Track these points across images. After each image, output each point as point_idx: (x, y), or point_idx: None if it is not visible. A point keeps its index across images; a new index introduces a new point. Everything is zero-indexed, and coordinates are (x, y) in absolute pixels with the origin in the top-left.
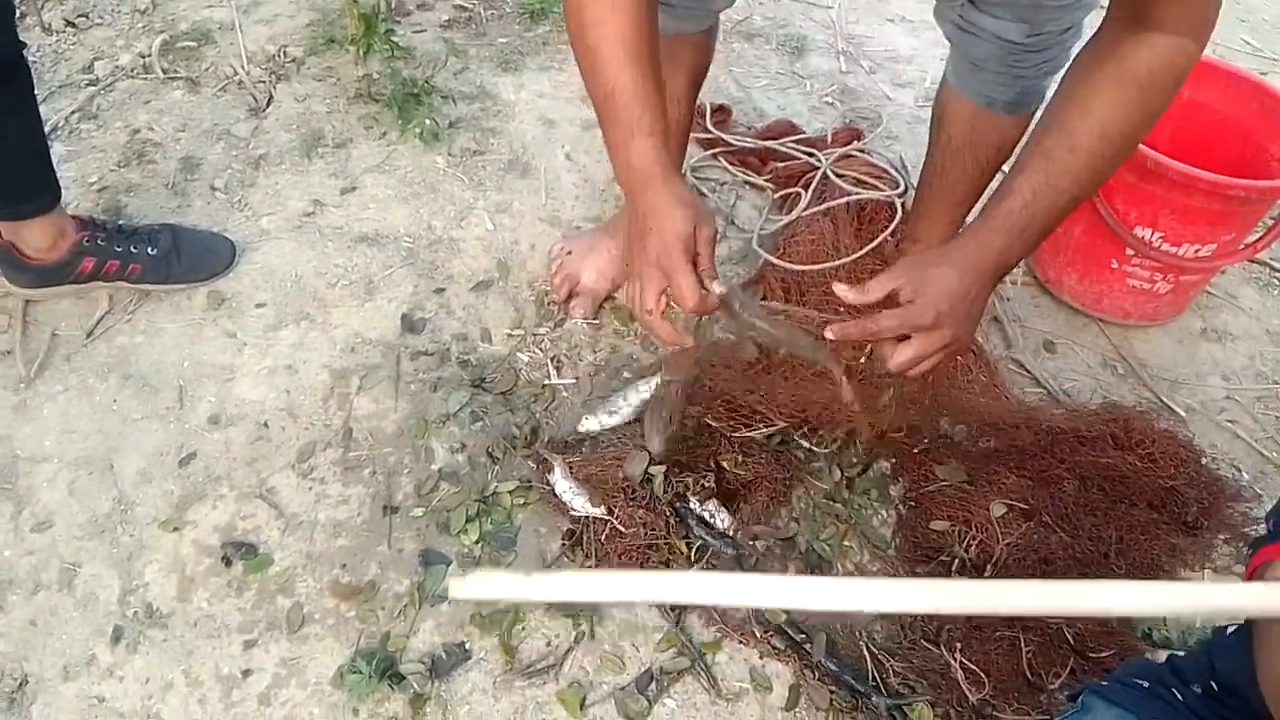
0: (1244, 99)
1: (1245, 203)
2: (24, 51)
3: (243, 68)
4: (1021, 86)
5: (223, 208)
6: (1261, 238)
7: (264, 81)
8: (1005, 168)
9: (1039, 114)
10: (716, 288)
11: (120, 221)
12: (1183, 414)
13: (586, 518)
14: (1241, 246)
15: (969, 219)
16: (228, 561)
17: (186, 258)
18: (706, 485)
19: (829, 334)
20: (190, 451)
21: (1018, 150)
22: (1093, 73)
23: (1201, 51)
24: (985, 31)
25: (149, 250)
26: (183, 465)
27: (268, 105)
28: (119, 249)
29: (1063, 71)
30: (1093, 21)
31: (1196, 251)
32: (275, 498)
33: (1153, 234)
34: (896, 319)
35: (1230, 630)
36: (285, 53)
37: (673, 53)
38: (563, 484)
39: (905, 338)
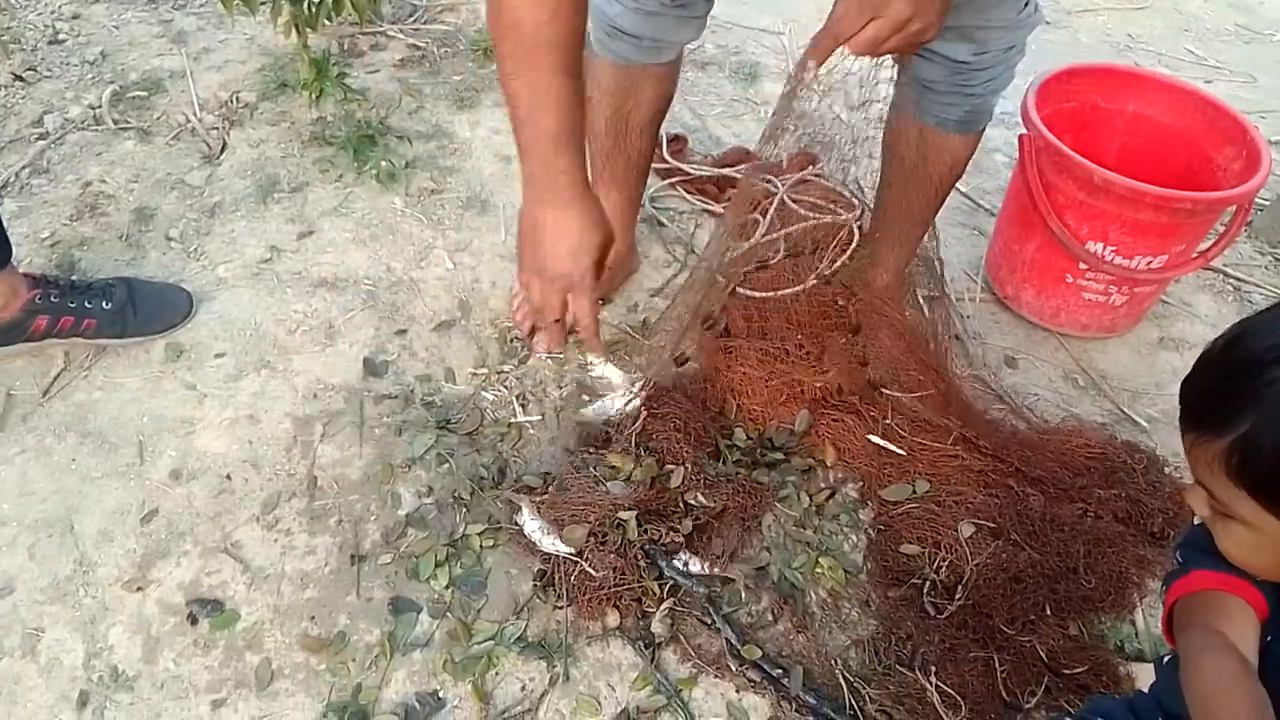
0: (1188, 111)
1: (1193, 214)
2: None
3: (195, 115)
4: (971, 105)
5: (178, 258)
6: (1212, 246)
7: (217, 128)
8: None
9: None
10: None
11: (74, 277)
12: (1145, 424)
13: (557, 557)
14: (1194, 256)
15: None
16: (193, 619)
17: (142, 310)
18: (676, 535)
19: (810, 58)
20: (152, 508)
21: None
22: None
23: None
24: (934, 53)
25: (104, 304)
26: (145, 522)
27: (221, 152)
28: (73, 305)
29: (1005, 89)
30: (1036, 39)
31: (1149, 263)
32: (240, 551)
33: (1105, 248)
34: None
35: (1166, 659)
36: (238, 98)
37: (637, 84)
38: (531, 523)
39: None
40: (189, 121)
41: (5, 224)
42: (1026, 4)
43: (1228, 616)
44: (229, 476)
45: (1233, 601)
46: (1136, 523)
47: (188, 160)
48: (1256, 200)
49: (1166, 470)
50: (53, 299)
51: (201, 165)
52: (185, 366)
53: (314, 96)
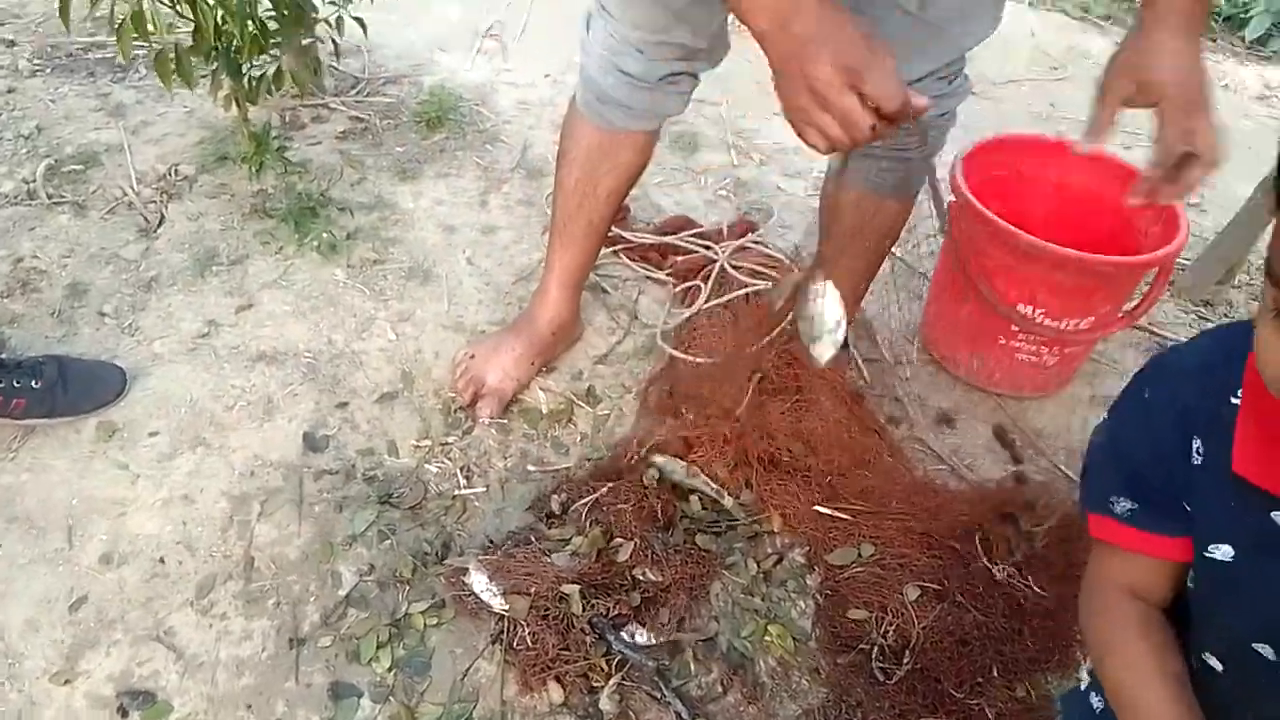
0: (1109, 177)
1: (1116, 277)
2: None
3: (132, 188)
4: (906, 169)
5: (112, 333)
6: (1138, 306)
7: (155, 201)
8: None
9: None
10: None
11: (3, 355)
12: (1079, 481)
13: (509, 620)
14: (1119, 315)
15: None
16: (124, 713)
17: (73, 388)
18: (623, 607)
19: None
20: (81, 595)
21: None
22: None
23: None
24: None
25: (32, 384)
26: (73, 610)
27: (159, 225)
28: (1, 384)
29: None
30: (964, 109)
31: (1076, 325)
32: (173, 639)
33: (1034, 310)
34: (1205, 140)
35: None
36: (176, 171)
37: (617, 149)
38: (480, 582)
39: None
40: (126, 195)
41: None
42: (955, 77)
43: (1143, 584)
44: (162, 559)
45: (1148, 564)
46: (1078, 582)
47: (124, 234)
48: (1177, 261)
49: None
50: None
51: (138, 239)
52: (117, 446)
53: (254, 169)
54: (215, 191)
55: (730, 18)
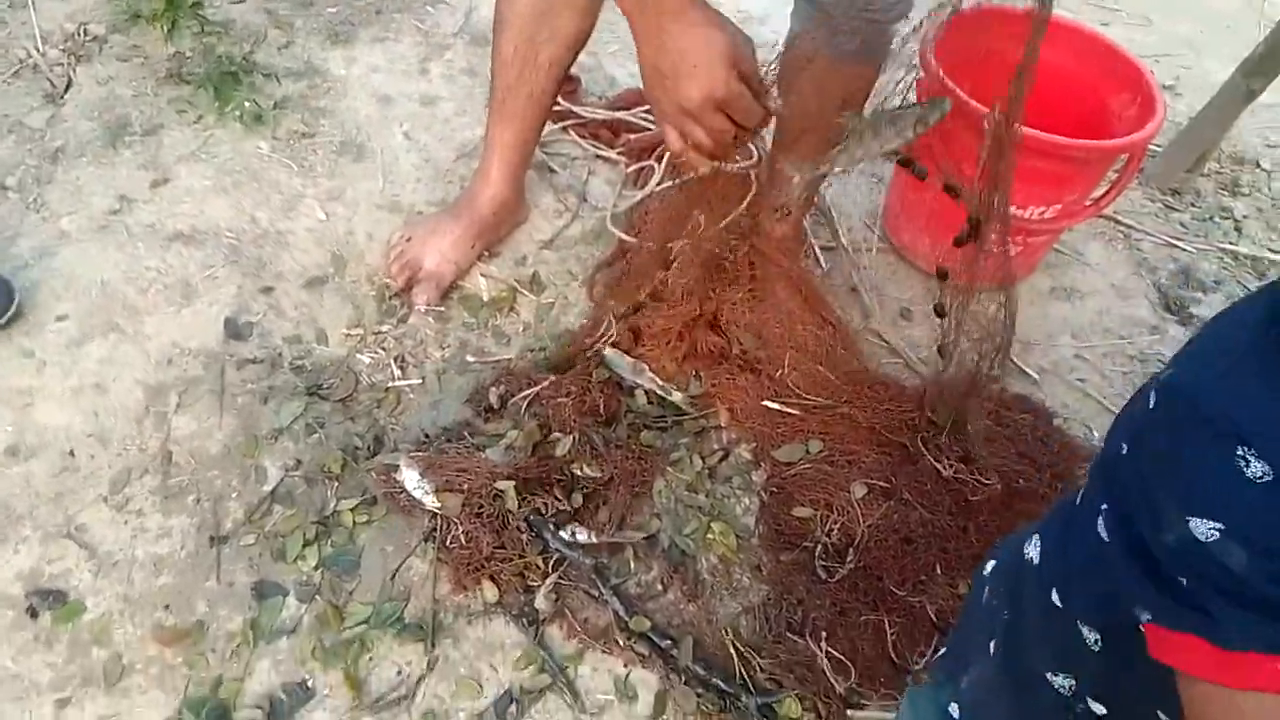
0: (1085, 54)
1: (1088, 163)
2: None
3: (37, 49)
4: (870, 31)
5: (15, 209)
6: (1105, 194)
7: (61, 64)
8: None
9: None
10: (774, 102)
11: None
12: (1035, 376)
13: (442, 517)
14: (1086, 204)
15: None
16: (33, 613)
17: None
18: (563, 505)
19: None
20: None
21: None
22: None
23: None
24: None
25: None
26: None
27: (66, 91)
28: None
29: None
30: None
31: (1042, 213)
32: (86, 536)
33: None
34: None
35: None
36: (85, 30)
37: (555, 11)
38: (412, 478)
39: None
40: (29, 57)
41: None
42: None
43: None
44: (72, 453)
45: None
46: (1026, 476)
47: (27, 100)
48: (1149, 147)
49: (1055, 422)
50: None
51: (43, 105)
52: (22, 331)
53: (167, 29)
54: (127, 54)
55: None
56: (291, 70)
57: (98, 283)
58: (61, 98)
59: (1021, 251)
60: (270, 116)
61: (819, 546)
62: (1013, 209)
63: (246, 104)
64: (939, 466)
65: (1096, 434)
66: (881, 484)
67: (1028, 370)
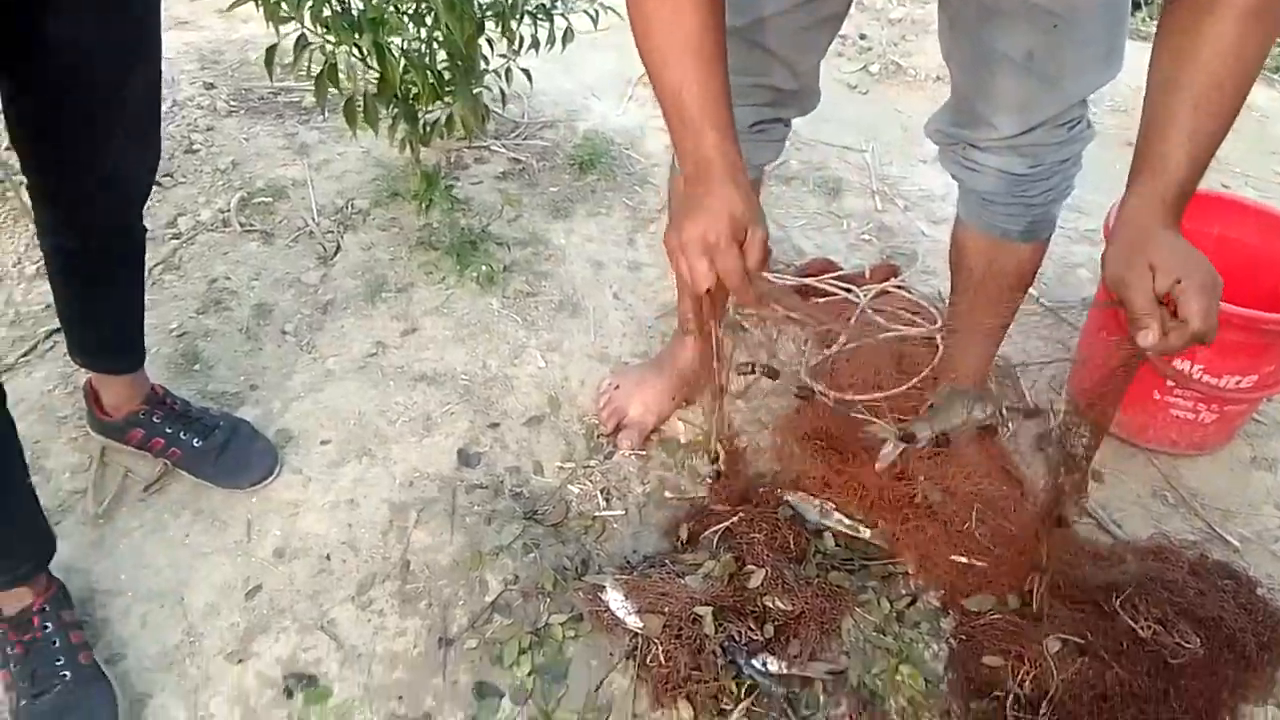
0: (1276, 234)
1: None
2: None
3: (313, 219)
4: (1032, 215)
5: (292, 350)
6: None
7: (332, 232)
8: (1045, 300)
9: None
10: (760, 284)
11: (189, 404)
12: (1237, 544)
13: (643, 637)
14: None
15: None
16: (289, 693)
17: (225, 461)
18: (755, 635)
19: (1142, 341)
20: (256, 584)
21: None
22: (1200, 18)
23: None
24: (988, 168)
25: (194, 443)
26: (249, 598)
27: (335, 254)
28: (168, 431)
29: (1066, 199)
30: (1091, 152)
31: (1238, 383)
32: (335, 630)
33: (1192, 366)
34: (1197, 301)
35: None
36: (352, 205)
37: None
38: (617, 599)
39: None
40: (307, 225)
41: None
42: (1077, 122)
43: None
44: (328, 557)
45: None
46: (1229, 644)
47: (305, 261)
48: None
49: (1259, 592)
50: (154, 419)
51: (317, 266)
52: (293, 452)
53: (423, 205)
54: (386, 225)
55: (820, 63)
56: (519, 239)
57: (355, 414)
58: (331, 260)
59: (1218, 419)
60: (501, 278)
61: (1010, 697)
62: (1208, 378)
63: (483, 267)
64: (1136, 627)
65: None
66: (1076, 640)
67: (1229, 538)
